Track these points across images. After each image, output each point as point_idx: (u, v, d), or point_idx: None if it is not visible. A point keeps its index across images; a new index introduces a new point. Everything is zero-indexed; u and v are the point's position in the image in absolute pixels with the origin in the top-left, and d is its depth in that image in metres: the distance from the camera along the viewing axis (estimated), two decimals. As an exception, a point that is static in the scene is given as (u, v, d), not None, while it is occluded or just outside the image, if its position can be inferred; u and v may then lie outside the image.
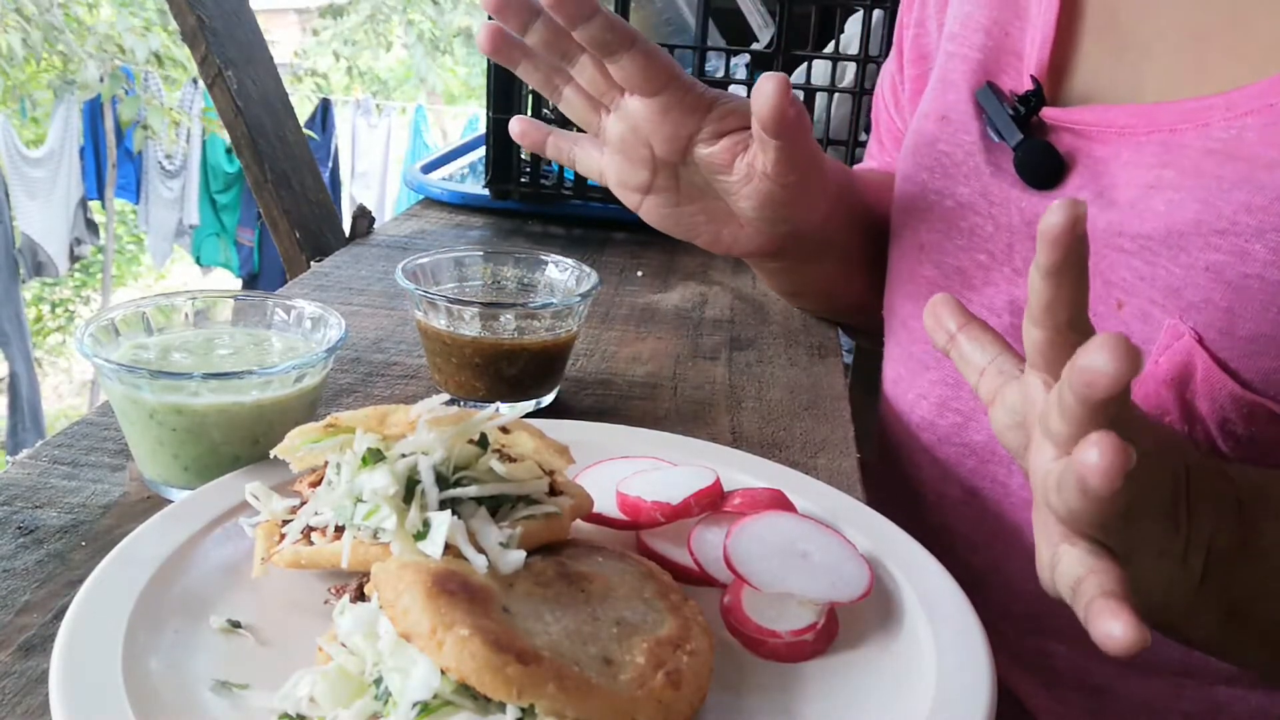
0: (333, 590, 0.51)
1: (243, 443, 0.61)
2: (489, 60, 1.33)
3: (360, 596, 0.48)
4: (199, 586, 0.51)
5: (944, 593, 0.54)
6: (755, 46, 1.48)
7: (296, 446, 0.53)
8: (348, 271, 1.11)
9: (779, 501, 0.58)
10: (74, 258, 7.14)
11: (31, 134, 7.00)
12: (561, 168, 1.41)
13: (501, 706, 0.40)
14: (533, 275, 0.84)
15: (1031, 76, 0.74)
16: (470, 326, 0.74)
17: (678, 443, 0.68)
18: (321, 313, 0.68)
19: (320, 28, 9.47)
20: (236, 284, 7.08)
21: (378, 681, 0.42)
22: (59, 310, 8.30)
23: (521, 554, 0.47)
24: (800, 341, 0.97)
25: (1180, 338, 0.64)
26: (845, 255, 0.93)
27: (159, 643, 0.47)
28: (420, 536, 0.47)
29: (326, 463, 0.54)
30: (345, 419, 0.52)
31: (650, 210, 0.82)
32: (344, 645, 0.44)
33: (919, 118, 0.84)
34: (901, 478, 0.89)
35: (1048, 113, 0.73)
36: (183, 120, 6.65)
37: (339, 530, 0.50)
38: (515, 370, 0.74)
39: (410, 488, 0.49)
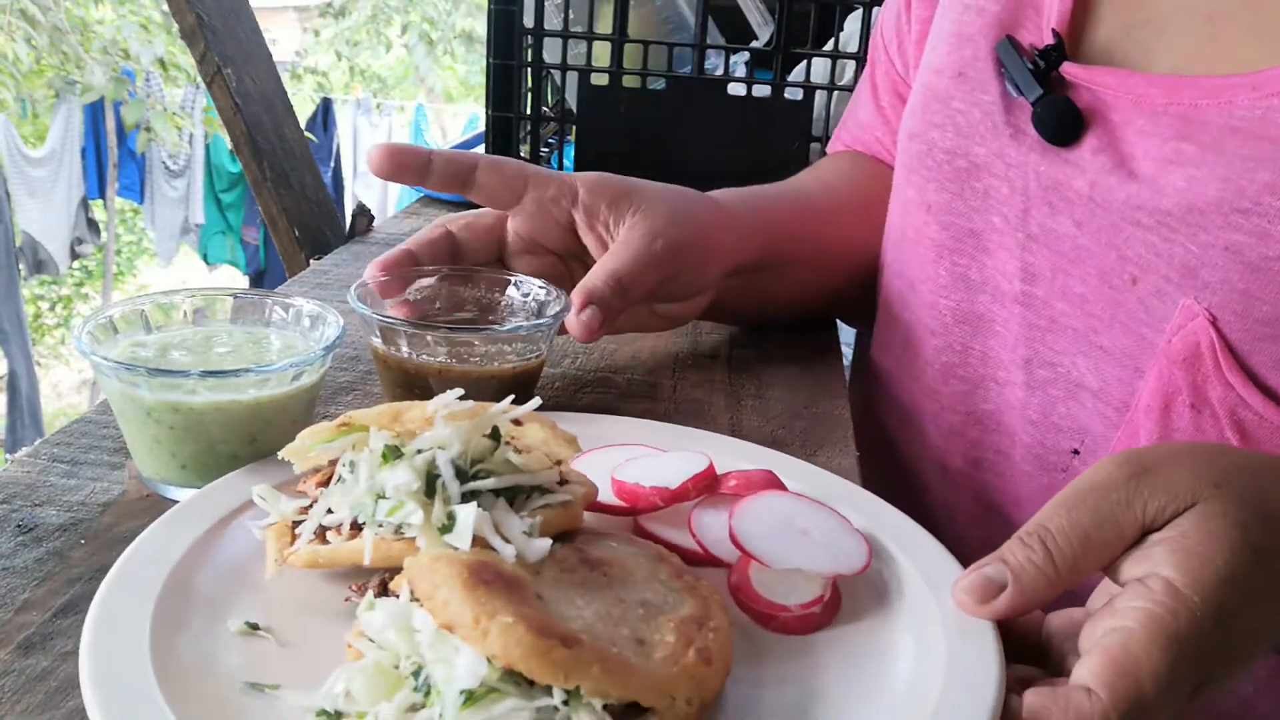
0: (354, 588, 0.51)
1: (240, 441, 0.61)
2: (488, 59, 1.34)
3: (383, 592, 0.48)
4: (211, 590, 0.51)
5: (938, 560, 0.55)
6: (755, 44, 1.48)
7: (309, 447, 0.53)
8: (347, 270, 1.11)
9: (772, 482, 0.59)
10: (75, 256, 7.15)
11: (30, 130, 7.00)
12: (561, 165, 1.41)
13: (546, 690, 0.40)
14: (494, 297, 0.79)
15: (1053, 30, 0.73)
16: (437, 352, 0.70)
17: (663, 429, 0.69)
18: (320, 311, 0.68)
19: (320, 27, 9.46)
20: (244, 281, 7.10)
21: (415, 673, 0.43)
22: (59, 308, 8.30)
23: (547, 542, 0.48)
24: (800, 341, 0.97)
25: (1194, 318, 0.64)
26: (777, 286, 0.92)
27: (183, 647, 0.47)
28: (445, 530, 0.48)
29: (331, 462, 0.54)
30: (359, 417, 0.52)
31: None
32: (372, 640, 0.45)
33: (930, 72, 0.82)
34: (899, 450, 0.89)
35: (1068, 69, 0.72)
36: (185, 125, 6.66)
37: (355, 528, 0.50)
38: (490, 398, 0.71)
39: (430, 483, 0.49)
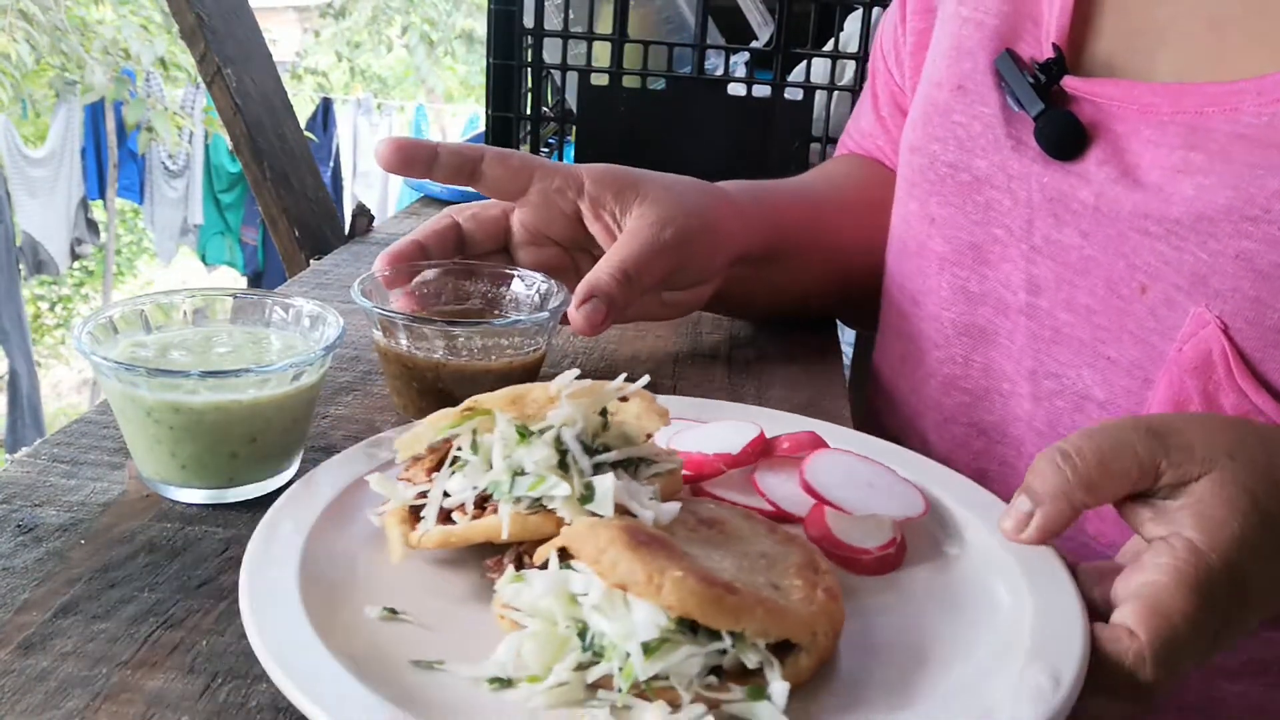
0: (490, 564, 0.52)
1: (240, 441, 0.61)
2: (488, 59, 1.34)
3: (520, 565, 0.50)
4: (338, 581, 0.52)
5: (984, 500, 0.60)
6: (755, 44, 1.48)
7: (440, 430, 0.55)
8: (347, 270, 1.11)
9: (818, 442, 0.63)
10: (75, 256, 7.15)
11: (31, 130, 7.01)
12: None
13: (713, 635, 0.44)
14: (496, 291, 0.79)
15: (1054, 44, 0.73)
16: (434, 348, 0.71)
17: (692, 403, 0.71)
18: (320, 311, 0.68)
19: (320, 27, 9.47)
20: (242, 282, 7.10)
21: (581, 634, 0.45)
22: (59, 308, 8.31)
23: (677, 505, 0.51)
24: (800, 341, 0.97)
25: (1205, 326, 0.64)
26: (782, 278, 0.92)
27: (340, 637, 0.47)
28: (585, 500, 0.50)
29: (431, 449, 0.56)
30: (484, 402, 0.55)
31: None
32: (518, 610, 0.47)
33: (930, 85, 0.82)
34: None
35: (1069, 82, 0.72)
36: (186, 124, 6.66)
37: (478, 507, 0.52)
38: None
39: (560, 458, 0.52)
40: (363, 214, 1.28)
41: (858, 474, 0.60)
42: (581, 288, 0.74)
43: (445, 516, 0.53)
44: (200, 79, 1.65)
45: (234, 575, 0.55)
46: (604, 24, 1.33)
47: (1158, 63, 0.70)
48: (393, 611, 0.50)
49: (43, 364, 7.75)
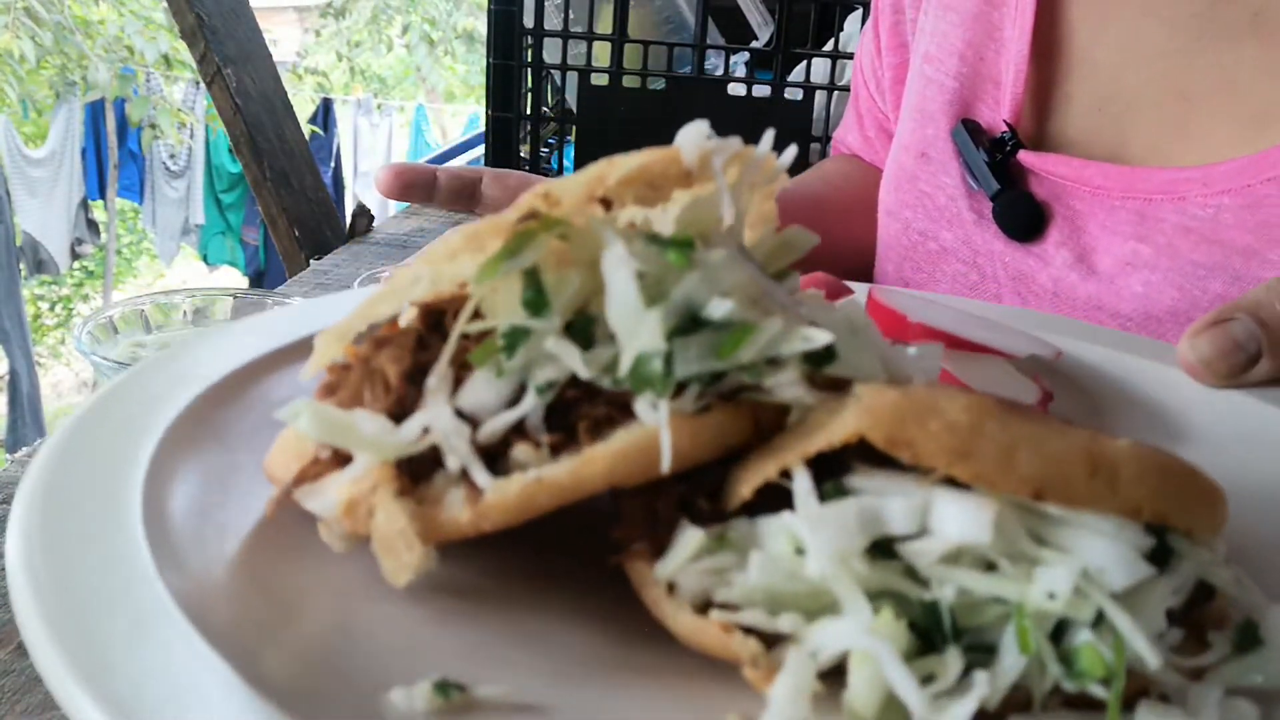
0: (631, 533, 0.28)
1: (241, 441, 0.61)
2: (488, 59, 1.34)
3: (696, 516, 0.28)
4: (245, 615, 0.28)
5: (1128, 342, 0.51)
6: (755, 44, 1.48)
7: (489, 270, 0.29)
8: (347, 269, 1.11)
9: (838, 287, 0.48)
10: (75, 256, 7.17)
11: (31, 130, 7.02)
12: (561, 165, 1.41)
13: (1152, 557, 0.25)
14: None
15: (1005, 121, 0.73)
16: None
17: None
18: (320, 311, 0.68)
19: (320, 27, 9.48)
20: (244, 282, 7.11)
21: (930, 617, 0.25)
22: (59, 308, 8.32)
23: (938, 347, 0.38)
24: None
25: None
26: None
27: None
28: (819, 360, 0.28)
29: (376, 340, 0.31)
30: (560, 197, 0.30)
31: None
32: (740, 607, 0.26)
33: (899, 149, 0.83)
34: None
35: (1024, 157, 0.72)
36: (189, 120, 6.68)
37: (564, 438, 0.28)
38: None
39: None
40: (363, 214, 1.28)
41: (952, 312, 0.46)
42: None
43: (496, 461, 0.28)
44: (200, 79, 1.65)
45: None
46: (604, 24, 1.33)
47: (1126, 133, 0.70)
48: (460, 689, 0.26)
49: (43, 364, 7.75)
